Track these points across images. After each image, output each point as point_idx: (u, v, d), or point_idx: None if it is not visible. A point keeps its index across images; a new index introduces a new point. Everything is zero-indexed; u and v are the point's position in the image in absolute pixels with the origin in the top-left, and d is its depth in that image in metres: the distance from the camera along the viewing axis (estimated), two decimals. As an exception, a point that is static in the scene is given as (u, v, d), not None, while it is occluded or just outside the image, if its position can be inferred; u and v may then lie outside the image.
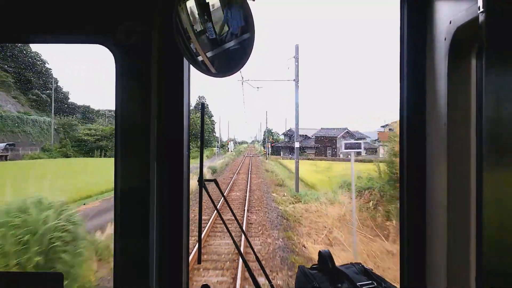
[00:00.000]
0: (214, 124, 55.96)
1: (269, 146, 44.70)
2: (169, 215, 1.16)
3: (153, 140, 1.13)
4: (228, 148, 56.62)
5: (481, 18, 0.68)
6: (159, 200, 1.14)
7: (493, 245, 0.61)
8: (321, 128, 43.47)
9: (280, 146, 49.97)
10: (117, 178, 1.11)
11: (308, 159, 39.24)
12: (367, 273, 1.14)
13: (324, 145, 41.39)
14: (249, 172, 23.30)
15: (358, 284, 1.07)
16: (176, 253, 1.16)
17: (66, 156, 26.47)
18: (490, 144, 0.63)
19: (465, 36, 0.95)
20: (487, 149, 0.63)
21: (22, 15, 1.11)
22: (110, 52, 1.13)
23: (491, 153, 0.62)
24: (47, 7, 1.11)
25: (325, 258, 1.15)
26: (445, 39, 1.01)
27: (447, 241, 1.00)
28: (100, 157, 27.89)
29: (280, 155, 45.67)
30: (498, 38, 0.61)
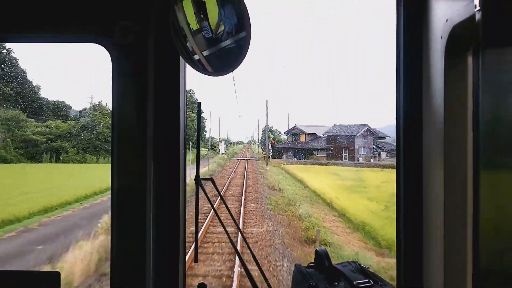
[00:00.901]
0: (204, 121, 55.34)
1: (270, 148, 43.99)
2: (165, 214, 1.38)
3: (149, 139, 1.35)
4: (219, 150, 56.23)
5: (478, 16, 0.82)
6: (156, 199, 1.37)
7: (489, 245, 0.72)
8: (334, 125, 41.85)
9: (282, 147, 49.25)
10: (114, 177, 1.34)
11: (320, 164, 36.00)
12: (364, 272, 1.35)
13: (338, 146, 39.35)
14: (243, 196, 16.01)
15: (354, 282, 1.28)
16: (173, 252, 1.39)
17: (5, 160, 23.69)
18: (487, 143, 0.74)
19: (461, 35, 1.12)
20: (484, 147, 0.76)
21: (19, 14, 1.34)
22: (105, 51, 1.37)
23: (488, 151, 0.73)
24: (44, 6, 1.34)
25: (322, 256, 1.36)
26: (441, 37, 1.19)
27: (444, 241, 1.18)
28: (50, 162, 24.72)
29: (282, 158, 44.52)
30: (494, 36, 0.73)
